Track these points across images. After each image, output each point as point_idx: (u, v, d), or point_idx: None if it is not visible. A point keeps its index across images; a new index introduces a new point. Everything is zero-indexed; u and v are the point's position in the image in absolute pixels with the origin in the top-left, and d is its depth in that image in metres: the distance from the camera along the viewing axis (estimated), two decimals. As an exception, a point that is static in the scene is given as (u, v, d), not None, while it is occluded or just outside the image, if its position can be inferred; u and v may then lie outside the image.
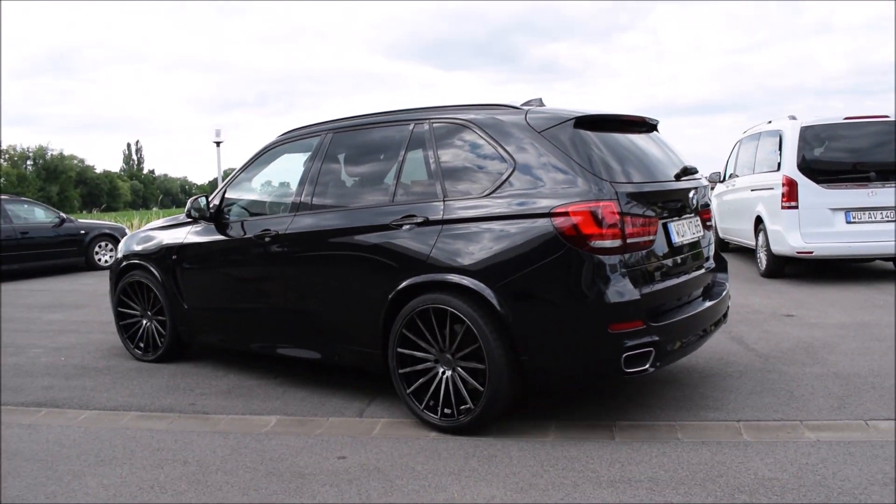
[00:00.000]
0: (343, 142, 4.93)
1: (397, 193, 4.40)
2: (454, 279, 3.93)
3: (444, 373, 4.04)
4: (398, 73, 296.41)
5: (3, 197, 14.02)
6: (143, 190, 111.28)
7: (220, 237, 5.42)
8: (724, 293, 4.66)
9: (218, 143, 28.14)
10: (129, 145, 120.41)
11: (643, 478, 3.26)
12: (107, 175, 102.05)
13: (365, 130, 4.85)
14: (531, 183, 3.90)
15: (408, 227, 4.19)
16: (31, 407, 4.83)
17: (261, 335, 5.25)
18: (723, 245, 12.04)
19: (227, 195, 5.54)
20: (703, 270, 4.53)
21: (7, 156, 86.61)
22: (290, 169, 5.45)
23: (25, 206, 14.30)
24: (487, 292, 3.81)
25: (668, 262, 4.11)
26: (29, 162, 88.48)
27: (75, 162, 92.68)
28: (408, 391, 4.15)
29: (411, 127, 4.50)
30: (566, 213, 3.69)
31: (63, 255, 13.61)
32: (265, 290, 5.16)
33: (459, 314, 3.89)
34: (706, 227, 4.72)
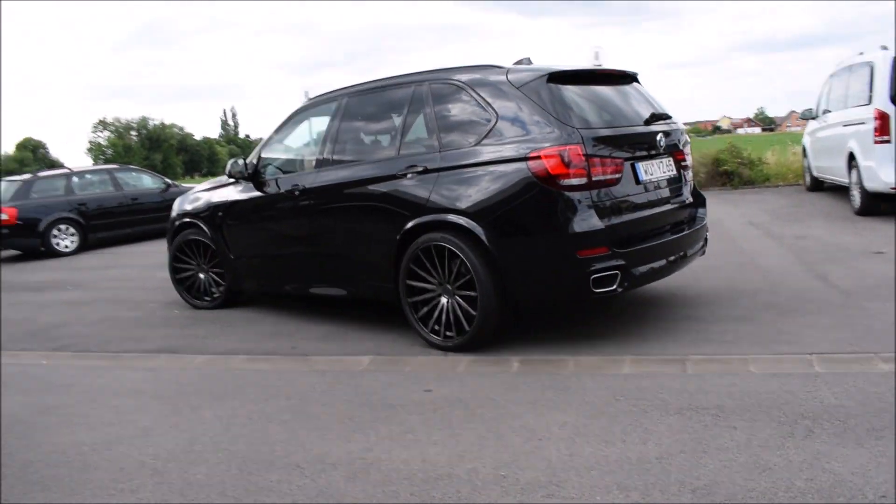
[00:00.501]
0: (356, 104, 5.60)
1: (402, 147, 5.10)
2: (451, 219, 4.60)
3: (445, 301, 4.74)
4: (482, 23, 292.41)
5: (114, 166, 15.01)
6: (241, 154, 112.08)
7: (257, 194, 6.12)
8: (699, 226, 5.21)
9: (309, 104, 28.48)
10: (224, 111, 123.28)
11: (710, 405, 3.43)
12: (206, 141, 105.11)
13: (374, 94, 5.53)
14: (511, 132, 4.52)
15: (410, 175, 4.87)
16: (152, 353, 5.39)
17: (295, 278, 5.99)
18: (816, 184, 11.69)
19: (262, 156, 6.19)
20: (674, 206, 5.01)
21: (113, 127, 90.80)
22: (314, 130, 6.25)
23: (134, 174, 15.31)
24: (477, 229, 4.48)
25: (635, 197, 4.65)
26: (133, 132, 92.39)
27: (175, 130, 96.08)
28: (416, 317, 4.87)
29: (412, 89, 5.16)
30: (538, 157, 4.30)
31: (170, 218, 14.47)
32: (296, 238, 5.81)
33: (454, 249, 4.56)
34: (681, 167, 5.19)
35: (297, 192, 5.66)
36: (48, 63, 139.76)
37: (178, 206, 7.11)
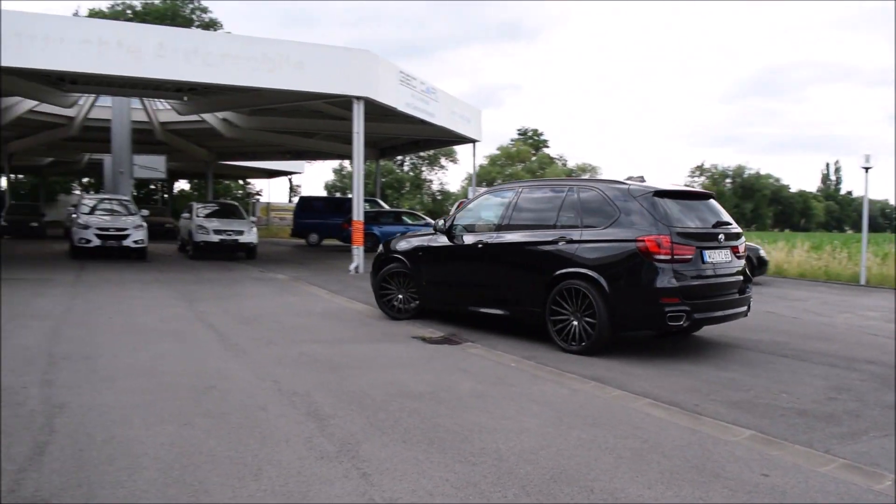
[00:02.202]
0: (528, 193, 8.74)
1: (557, 225, 8.03)
2: (584, 272, 7.50)
3: (575, 322, 7.60)
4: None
5: None
6: (839, 211, 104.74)
7: (449, 244, 9.22)
8: (746, 295, 8.00)
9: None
10: (827, 165, 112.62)
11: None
12: (801, 194, 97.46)
13: (542, 188, 8.72)
14: (627, 223, 7.39)
15: (562, 243, 7.82)
16: (586, 378, 6.42)
17: (471, 302, 8.98)
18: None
19: (455, 221, 9.34)
20: (733, 277, 7.78)
21: (709, 173, 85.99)
22: (492, 206, 9.21)
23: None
24: (601, 279, 7.36)
25: (700, 271, 7.40)
26: (728, 180, 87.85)
27: (771, 181, 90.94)
28: (557, 332, 7.78)
29: (567, 188, 8.26)
30: (643, 241, 7.19)
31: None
32: (476, 275, 8.84)
33: (584, 290, 7.45)
34: (737, 256, 7.92)
35: (479, 245, 8.73)
36: (655, 108, 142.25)
37: (386, 247, 10.22)
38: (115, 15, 46.53)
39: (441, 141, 29.15)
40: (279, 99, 19.14)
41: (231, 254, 20.62)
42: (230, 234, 19.93)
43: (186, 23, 49.70)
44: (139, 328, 8.50)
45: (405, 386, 5.95)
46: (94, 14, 46.95)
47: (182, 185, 61.85)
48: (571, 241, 7.66)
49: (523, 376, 6.50)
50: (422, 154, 68.99)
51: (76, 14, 46.78)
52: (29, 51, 13.48)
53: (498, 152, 73.41)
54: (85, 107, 24.62)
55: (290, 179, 54.98)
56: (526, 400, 5.61)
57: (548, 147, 79.27)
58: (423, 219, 25.68)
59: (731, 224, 7.97)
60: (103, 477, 3.76)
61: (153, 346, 7.46)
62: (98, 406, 5.11)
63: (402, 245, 9.94)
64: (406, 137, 28.20)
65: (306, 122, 24.61)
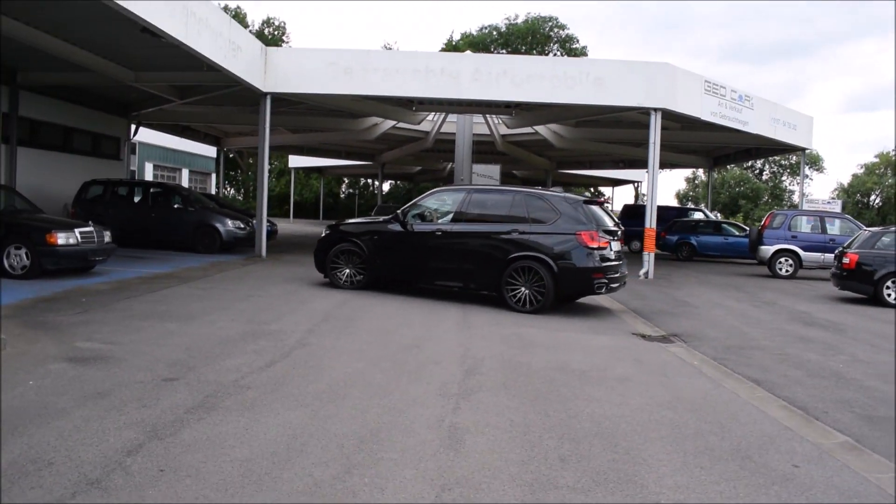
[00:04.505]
0: (478, 195, 11.21)
1: (509, 219, 10.54)
2: (536, 254, 10.17)
3: (525, 291, 10.21)
4: None
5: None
6: None
7: (402, 230, 11.09)
8: (625, 270, 10.95)
9: None
10: None
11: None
12: None
13: (490, 192, 11.62)
14: (567, 221, 10.27)
15: (515, 233, 10.40)
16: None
17: (426, 278, 11.12)
18: None
19: (409, 211, 11.23)
20: (620, 261, 10.76)
21: None
22: (445, 202, 11.43)
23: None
24: (549, 260, 10.08)
25: (609, 255, 10.33)
26: None
27: None
28: (511, 297, 10.28)
29: (513, 194, 10.96)
30: (580, 234, 10.11)
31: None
32: (436, 254, 10.79)
33: (536, 269, 10.13)
34: (622, 244, 11.18)
35: (438, 232, 10.86)
36: None
37: (332, 229, 11.97)
38: (482, 38, 51.80)
39: (771, 150, 27.82)
40: (581, 113, 20.48)
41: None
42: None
43: (545, 40, 53.23)
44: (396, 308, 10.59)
45: (569, 364, 6.99)
46: (466, 37, 52.74)
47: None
48: (523, 233, 10.30)
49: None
50: (783, 163, 64.54)
51: (388, 47, 53.00)
52: (375, 81, 16.75)
53: (876, 160, 65.45)
54: (437, 122, 28.56)
55: (635, 187, 55.62)
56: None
57: (945, 156, 68.36)
58: (746, 230, 24.86)
59: (619, 223, 11.48)
60: (299, 378, 5.60)
61: (412, 319, 9.42)
62: (327, 348, 7.09)
63: (354, 228, 11.84)
64: (735, 147, 27.49)
65: (629, 132, 25.48)
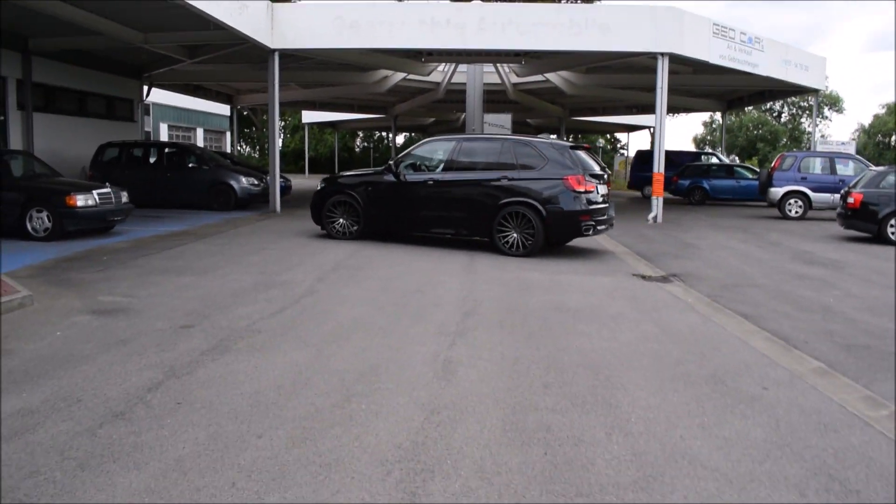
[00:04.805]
0: (468, 143, 11.40)
1: (497, 167, 10.82)
2: (525, 200, 10.48)
3: (516, 235, 10.61)
4: None
5: None
6: None
7: (395, 180, 11.42)
8: (612, 213, 11.27)
9: None
10: None
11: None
12: None
13: (481, 140, 11.79)
14: (554, 166, 10.52)
15: (504, 180, 10.69)
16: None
17: (420, 227, 11.49)
18: None
19: (401, 161, 11.60)
20: (607, 204, 11.05)
21: None
22: (435, 151, 11.83)
23: None
24: (538, 205, 10.40)
25: (596, 198, 10.62)
26: None
27: None
28: (502, 242, 10.69)
29: (502, 142, 11.20)
30: (567, 178, 10.38)
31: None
32: (425, 205, 11.18)
33: (525, 213, 10.46)
34: (609, 187, 11.40)
35: (430, 182, 11.18)
36: None
37: (327, 182, 12.36)
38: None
39: (784, 92, 27.58)
40: (589, 59, 20.46)
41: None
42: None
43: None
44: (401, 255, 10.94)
45: (566, 303, 7.32)
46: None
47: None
48: (512, 179, 10.59)
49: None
50: (801, 104, 63.54)
51: None
52: (381, 34, 16.84)
53: (898, 101, 64.19)
54: (448, 73, 28.53)
55: (651, 132, 55.17)
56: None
57: (969, 91, 66.96)
58: (758, 173, 24.75)
59: (605, 167, 11.66)
60: (306, 322, 5.99)
61: (414, 265, 9.78)
62: (334, 295, 7.47)
63: (349, 180, 12.13)
64: (747, 90, 27.28)
65: (640, 77, 25.33)
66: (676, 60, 17.99)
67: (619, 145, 66.18)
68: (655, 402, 4.38)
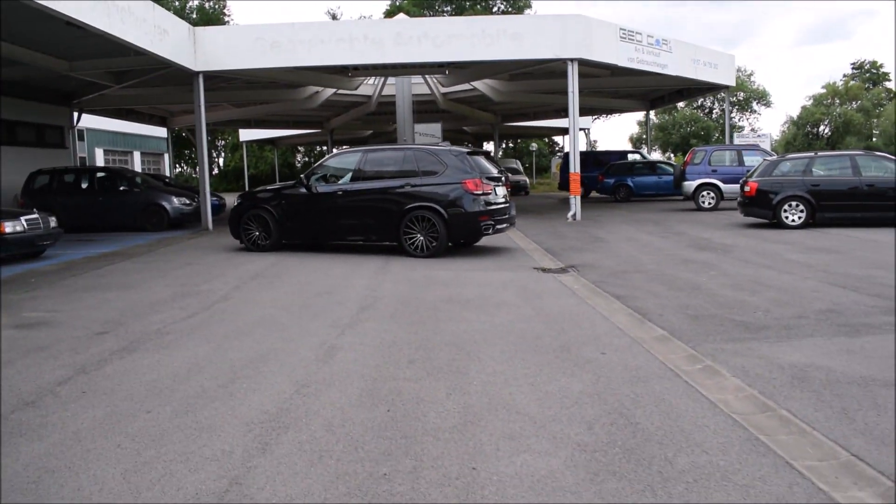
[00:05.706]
0: (373, 154, 12.28)
1: (401, 174, 11.72)
2: (428, 204, 11.38)
3: (421, 238, 11.50)
4: None
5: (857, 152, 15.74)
6: None
7: (306, 192, 12.26)
8: (513, 212, 12.35)
9: None
10: None
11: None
12: None
13: (384, 151, 12.48)
14: (454, 172, 11.49)
15: (408, 186, 11.58)
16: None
17: (333, 236, 12.30)
18: None
19: (312, 174, 12.45)
20: (507, 204, 12.14)
21: None
22: (345, 162, 12.76)
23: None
24: (440, 209, 11.34)
25: (494, 199, 11.66)
26: None
27: None
28: (408, 244, 11.55)
29: (404, 151, 12.26)
30: (465, 182, 11.37)
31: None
32: (336, 214, 11.97)
33: (429, 217, 11.41)
34: (507, 188, 12.76)
35: (339, 192, 12.02)
36: None
37: (244, 197, 13.18)
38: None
39: (700, 89, 28.98)
40: (506, 67, 21.46)
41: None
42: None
43: None
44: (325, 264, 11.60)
45: (460, 295, 8.07)
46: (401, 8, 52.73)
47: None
48: (415, 186, 11.50)
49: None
50: (731, 100, 65.85)
51: (333, 16, 53.31)
52: (302, 52, 17.51)
53: (823, 91, 67.04)
54: (378, 86, 29.28)
55: (586, 134, 56.65)
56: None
57: (889, 81, 70.20)
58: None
59: (502, 170, 13.25)
60: (214, 324, 6.61)
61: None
62: (247, 300, 8.11)
63: (264, 195, 12.94)
64: (666, 89, 28.60)
65: (561, 82, 26.37)
66: (587, 65, 19.02)
67: (556, 148, 67.64)
68: (501, 368, 5.13)
